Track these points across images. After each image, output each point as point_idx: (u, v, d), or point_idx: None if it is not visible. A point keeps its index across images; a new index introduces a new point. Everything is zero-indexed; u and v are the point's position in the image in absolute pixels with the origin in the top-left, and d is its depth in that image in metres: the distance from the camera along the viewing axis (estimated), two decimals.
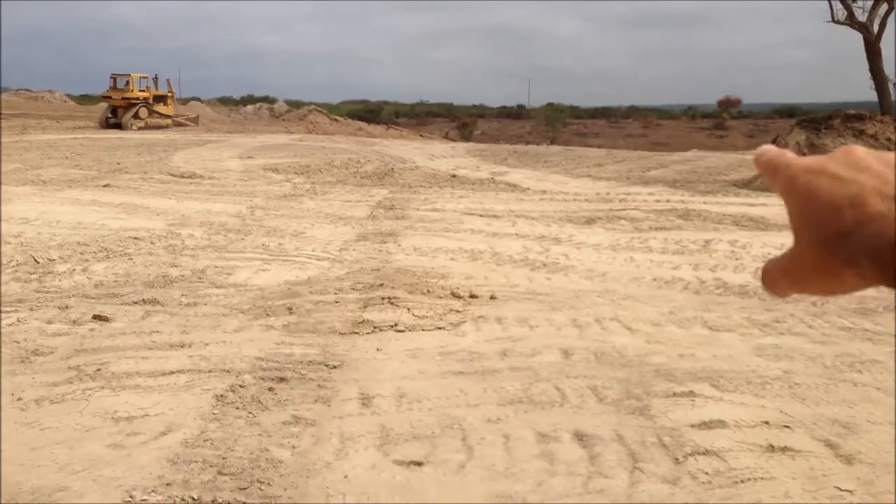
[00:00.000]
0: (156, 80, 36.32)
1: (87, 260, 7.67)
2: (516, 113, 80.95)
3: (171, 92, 37.20)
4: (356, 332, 5.49)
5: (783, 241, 8.97)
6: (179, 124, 35.54)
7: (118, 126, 32.90)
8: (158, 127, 33.80)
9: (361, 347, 5.21)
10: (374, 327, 5.60)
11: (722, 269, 7.73)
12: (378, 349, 5.18)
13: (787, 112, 67.52)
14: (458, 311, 6.01)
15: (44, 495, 3.22)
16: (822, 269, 0.48)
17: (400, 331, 5.56)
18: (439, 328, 5.64)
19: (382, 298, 6.24)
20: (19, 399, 4.22)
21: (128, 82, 34.23)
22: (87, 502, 3.18)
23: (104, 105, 36.80)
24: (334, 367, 4.80)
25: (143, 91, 34.75)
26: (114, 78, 34.70)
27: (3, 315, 5.74)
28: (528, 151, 24.90)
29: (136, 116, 33.52)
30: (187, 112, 40.57)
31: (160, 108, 35.42)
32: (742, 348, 5.30)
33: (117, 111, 34.05)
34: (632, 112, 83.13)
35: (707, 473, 3.50)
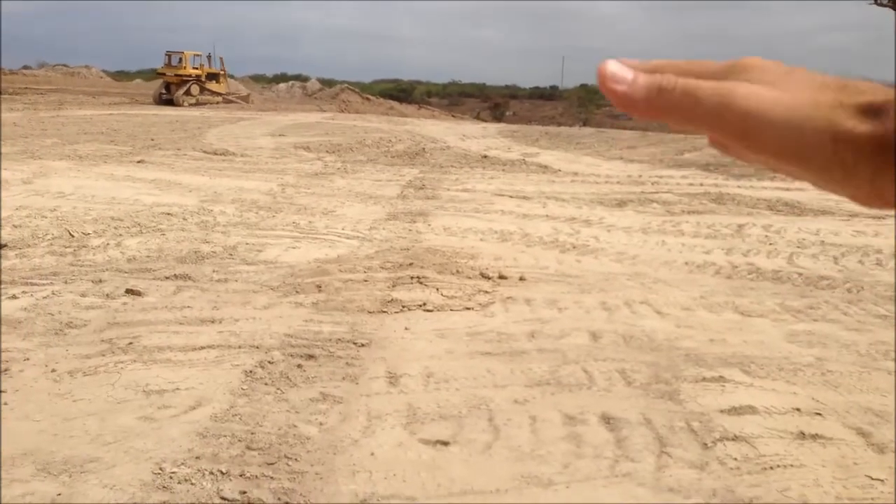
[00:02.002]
0: (209, 57, 37.46)
1: (120, 235, 7.76)
2: (549, 94, 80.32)
3: (224, 70, 38.26)
4: (385, 311, 5.50)
5: (819, 226, 8.86)
6: (230, 102, 36.18)
7: (171, 102, 34.02)
8: (210, 104, 34.50)
9: (390, 326, 5.22)
10: (403, 306, 5.61)
11: (755, 255, 7.63)
12: (406, 328, 5.19)
13: None
14: (486, 292, 6.00)
15: (75, 465, 3.28)
16: (830, 128, 0.39)
17: (428, 310, 5.56)
18: (468, 308, 5.63)
19: (411, 278, 6.25)
20: (53, 370, 4.29)
21: (181, 59, 35.46)
22: (117, 473, 3.22)
23: (139, 81, 37.47)
24: (362, 345, 4.82)
25: (197, 68, 35.95)
26: (168, 55, 36.03)
27: (39, 287, 5.83)
28: (560, 133, 24.75)
29: (188, 93, 34.65)
30: (239, 90, 41.15)
31: (212, 85, 36.50)
32: (774, 334, 5.23)
33: (171, 87, 35.09)
34: None
35: (736, 459, 3.46)
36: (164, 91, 35.38)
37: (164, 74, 35.85)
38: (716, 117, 0.41)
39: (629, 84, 0.42)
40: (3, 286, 5.84)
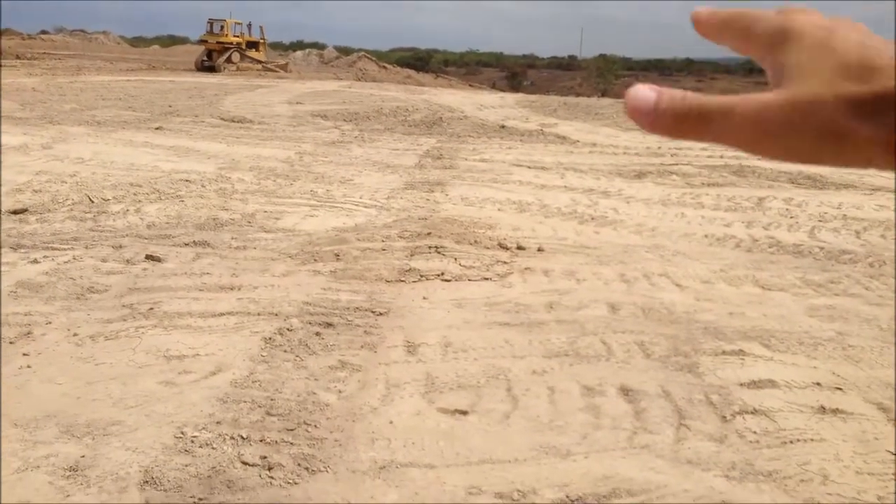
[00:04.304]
0: (249, 26, 38.32)
1: (139, 201, 7.78)
2: (567, 64, 79.63)
3: (263, 39, 39.13)
4: (403, 280, 5.50)
5: (841, 200, 8.76)
6: (269, 70, 36.72)
7: (212, 69, 35.06)
8: (249, 71, 35.06)
9: (408, 295, 5.22)
10: (421, 276, 5.60)
11: (776, 228, 7.56)
12: (424, 298, 5.19)
13: None
14: (504, 263, 5.98)
15: (98, 428, 3.31)
16: (831, 128, 0.41)
17: (446, 280, 5.56)
18: (486, 279, 5.62)
19: (429, 247, 6.24)
20: (75, 334, 4.33)
21: (223, 27, 36.40)
22: (139, 437, 3.25)
23: (156, 47, 37.95)
24: (381, 314, 4.82)
25: (237, 37, 37.04)
26: (210, 23, 37.37)
27: (60, 252, 5.87)
28: (578, 103, 24.52)
29: (228, 60, 35.77)
30: (277, 59, 41.69)
31: (252, 53, 37.64)
32: (795, 308, 5.20)
33: (212, 54, 36.20)
34: (686, 65, 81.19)
35: (755, 433, 3.45)
36: (205, 58, 36.38)
37: (206, 42, 36.92)
38: (726, 136, 0.43)
39: (649, 113, 0.44)
40: (25, 250, 5.88)
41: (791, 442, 3.39)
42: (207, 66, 35.61)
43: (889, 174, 10.70)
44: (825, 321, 4.96)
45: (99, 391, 3.67)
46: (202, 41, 37.49)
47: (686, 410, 3.65)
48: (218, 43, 36.24)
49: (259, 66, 36.70)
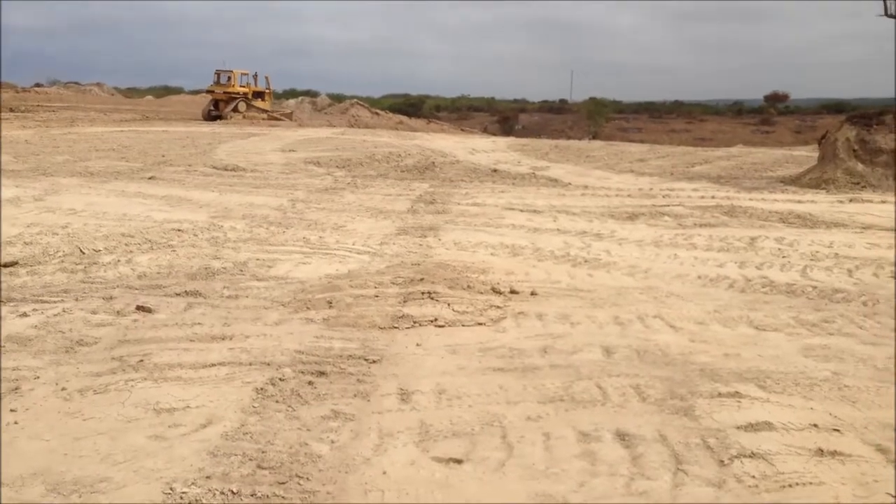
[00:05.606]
0: (255, 77, 39.48)
1: (131, 251, 7.76)
2: (558, 107, 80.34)
3: (269, 89, 40.38)
4: (396, 327, 5.47)
5: (832, 239, 8.80)
6: (274, 118, 37.31)
7: (219, 118, 36.15)
8: (255, 120, 35.96)
9: (401, 342, 5.19)
10: (414, 322, 5.57)
11: (768, 268, 7.57)
12: (418, 344, 5.15)
13: (835, 107, 66.09)
14: (498, 307, 5.96)
15: (85, 486, 3.25)
16: None
17: (440, 326, 5.53)
18: (479, 324, 5.59)
19: (422, 293, 6.21)
20: (63, 389, 4.27)
21: (230, 78, 37.54)
22: (128, 493, 3.19)
23: (150, 98, 38.75)
24: (374, 361, 4.78)
25: (244, 87, 38.18)
26: (217, 74, 38.84)
27: (50, 305, 5.83)
28: (569, 146, 24.74)
29: (235, 110, 36.73)
30: (283, 108, 42.73)
31: (258, 103, 38.83)
32: (789, 349, 5.17)
33: (219, 104, 37.24)
34: (676, 107, 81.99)
35: (753, 477, 3.40)
36: (212, 108, 37.38)
37: (213, 92, 38.06)
38: None
39: None
40: (14, 304, 5.84)
41: (790, 486, 3.34)
42: (214, 115, 36.56)
43: (878, 212, 10.76)
44: (820, 361, 4.93)
45: (87, 447, 3.61)
46: (209, 91, 38.64)
47: (683, 455, 3.60)
48: (225, 93, 37.34)
49: (264, 115, 37.36)
